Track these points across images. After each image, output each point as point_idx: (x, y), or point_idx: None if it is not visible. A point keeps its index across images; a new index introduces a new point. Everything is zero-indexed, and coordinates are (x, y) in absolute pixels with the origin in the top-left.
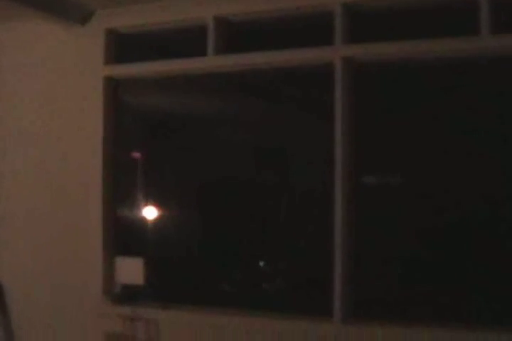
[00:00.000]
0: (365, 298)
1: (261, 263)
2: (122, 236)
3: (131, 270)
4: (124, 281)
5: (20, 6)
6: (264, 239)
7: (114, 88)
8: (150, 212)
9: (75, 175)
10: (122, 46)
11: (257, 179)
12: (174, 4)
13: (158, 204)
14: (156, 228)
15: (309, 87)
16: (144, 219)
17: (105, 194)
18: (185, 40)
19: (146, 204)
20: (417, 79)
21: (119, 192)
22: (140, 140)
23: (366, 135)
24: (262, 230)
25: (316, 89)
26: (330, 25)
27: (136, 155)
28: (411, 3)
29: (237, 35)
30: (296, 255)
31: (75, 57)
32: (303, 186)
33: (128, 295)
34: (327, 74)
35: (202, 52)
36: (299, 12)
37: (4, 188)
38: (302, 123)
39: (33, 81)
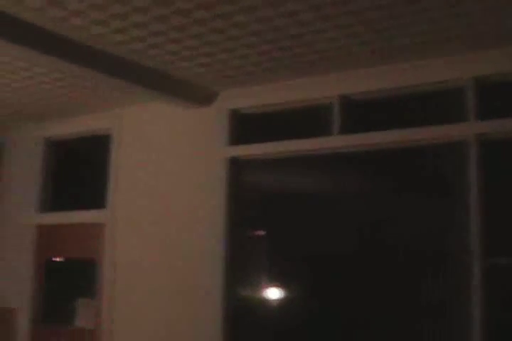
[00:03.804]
0: None
1: None
2: (244, 316)
3: None
4: None
5: (147, 90)
6: (391, 320)
7: (237, 168)
8: (272, 292)
9: (197, 254)
10: (246, 126)
11: (381, 256)
12: (297, 84)
13: (280, 283)
14: (280, 309)
15: (438, 164)
16: (266, 300)
17: (227, 274)
18: (308, 120)
19: (268, 284)
20: None
21: (241, 272)
22: (262, 218)
23: (499, 214)
24: (389, 309)
25: (445, 165)
26: (460, 101)
27: (258, 233)
28: None
29: (362, 113)
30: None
31: (199, 138)
32: (433, 266)
33: None
34: (458, 152)
35: (325, 132)
36: (426, 89)
37: (127, 267)
38: (430, 200)
39: (158, 160)
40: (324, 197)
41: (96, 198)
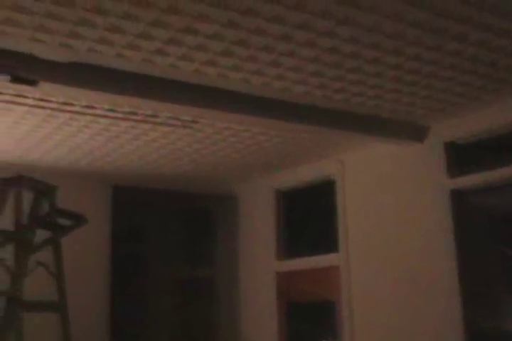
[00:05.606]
0: None
1: None
2: None
3: None
4: None
5: (361, 135)
6: None
7: (460, 200)
8: None
9: (432, 290)
10: (463, 157)
11: None
12: (505, 107)
13: None
14: None
15: None
16: None
17: (466, 308)
18: None
19: None
20: None
21: (488, 301)
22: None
23: None
24: None
25: None
26: None
27: None
28: None
29: None
30: None
31: (418, 174)
32: None
33: None
34: None
35: None
36: None
37: (363, 307)
38: None
39: (382, 200)
40: None
41: (328, 242)
